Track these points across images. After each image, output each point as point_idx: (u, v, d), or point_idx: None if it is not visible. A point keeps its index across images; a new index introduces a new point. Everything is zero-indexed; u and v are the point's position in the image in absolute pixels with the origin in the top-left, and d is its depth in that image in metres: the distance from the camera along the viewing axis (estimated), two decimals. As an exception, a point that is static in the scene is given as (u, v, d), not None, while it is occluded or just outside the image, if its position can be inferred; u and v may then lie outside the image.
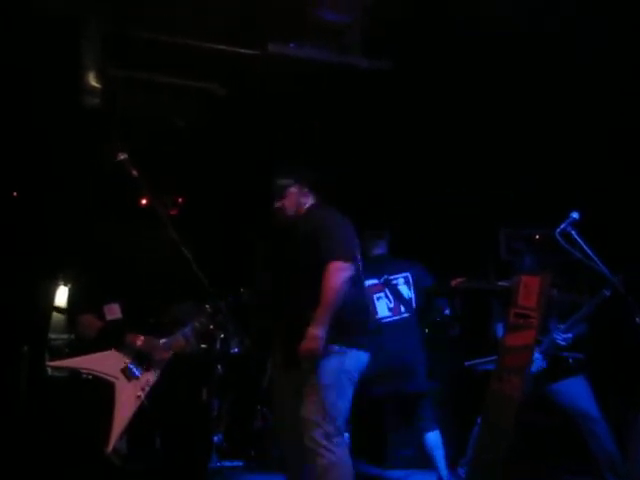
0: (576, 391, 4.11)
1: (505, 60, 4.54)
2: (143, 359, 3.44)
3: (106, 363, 3.39)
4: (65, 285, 6.03)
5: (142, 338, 3.45)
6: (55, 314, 5.65)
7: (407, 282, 4.49)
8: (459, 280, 3.68)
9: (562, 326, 4.10)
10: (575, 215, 3.85)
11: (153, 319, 3.56)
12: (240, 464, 4.90)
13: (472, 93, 4.88)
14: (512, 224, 5.00)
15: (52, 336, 5.63)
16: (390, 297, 4.48)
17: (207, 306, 3.44)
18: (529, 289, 2.69)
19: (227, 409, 5.15)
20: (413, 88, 4.83)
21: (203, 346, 4.87)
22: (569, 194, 4.73)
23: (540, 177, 5.10)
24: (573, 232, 3.81)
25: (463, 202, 5.33)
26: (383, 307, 4.49)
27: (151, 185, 3.01)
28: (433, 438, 4.35)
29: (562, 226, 3.82)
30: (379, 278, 4.49)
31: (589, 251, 3.74)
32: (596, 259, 3.73)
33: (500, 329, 3.97)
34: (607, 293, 3.94)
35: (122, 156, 2.96)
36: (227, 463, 4.83)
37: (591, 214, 3.90)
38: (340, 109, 4.75)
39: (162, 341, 3.50)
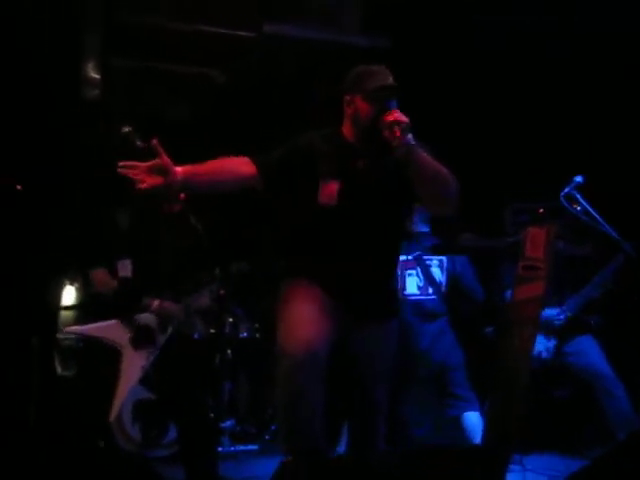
0: (589, 351, 4.11)
1: (504, 32, 4.57)
2: (143, 336, 3.50)
3: (114, 331, 3.47)
4: (71, 285, 6.04)
5: (157, 302, 3.51)
6: (63, 314, 5.67)
7: (441, 266, 4.43)
8: (466, 236, 3.66)
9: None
10: (579, 179, 3.89)
11: (164, 279, 3.62)
12: (255, 448, 4.90)
13: (471, 68, 4.89)
14: (517, 198, 4.99)
15: (60, 336, 5.63)
16: (420, 276, 4.43)
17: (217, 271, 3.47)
18: (536, 241, 2.70)
19: (239, 394, 5.16)
20: (412, 66, 4.83)
21: (212, 331, 4.89)
22: (574, 167, 4.73)
23: (545, 150, 5.10)
24: (578, 195, 3.85)
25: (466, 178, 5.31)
26: (413, 284, 4.43)
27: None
28: (472, 419, 4.16)
29: (566, 190, 3.87)
30: (413, 254, 4.40)
31: (594, 213, 3.78)
32: (602, 221, 3.76)
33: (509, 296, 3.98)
34: (621, 259, 3.96)
35: (126, 129, 2.99)
36: (241, 447, 4.83)
37: (596, 182, 3.94)
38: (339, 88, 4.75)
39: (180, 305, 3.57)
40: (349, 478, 2.15)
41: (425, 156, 2.63)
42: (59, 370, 5.44)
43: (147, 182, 2.48)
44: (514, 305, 2.77)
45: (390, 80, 2.80)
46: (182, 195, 5.74)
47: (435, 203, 2.79)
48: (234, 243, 4.62)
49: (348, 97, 2.83)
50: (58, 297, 5.66)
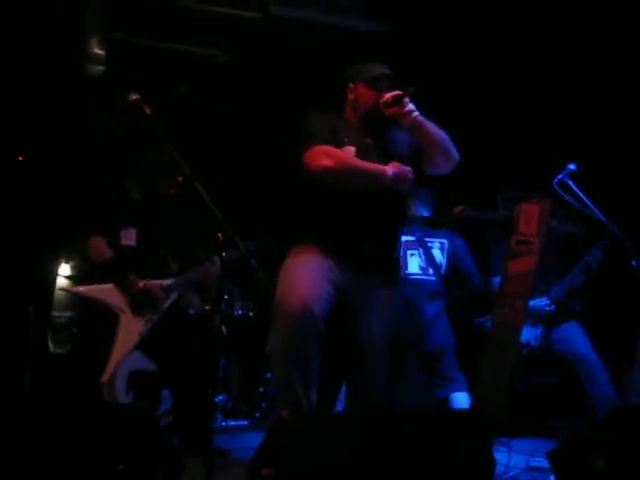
0: (574, 337, 4.22)
1: (503, 16, 4.63)
2: (142, 300, 3.55)
3: (114, 295, 3.52)
4: (67, 262, 6.06)
5: (143, 282, 3.56)
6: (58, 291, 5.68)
7: (442, 248, 4.56)
8: (461, 208, 3.73)
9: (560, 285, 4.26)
10: (572, 166, 3.97)
11: (163, 251, 3.67)
12: (245, 423, 4.98)
13: (470, 54, 4.96)
14: (510, 187, 5.06)
15: (55, 314, 5.65)
16: (422, 257, 4.54)
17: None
18: (529, 216, 2.79)
19: (232, 371, 5.22)
20: (413, 50, 4.90)
21: (207, 307, 4.94)
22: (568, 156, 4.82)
23: (540, 139, 5.17)
24: (570, 182, 3.94)
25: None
26: (414, 264, 4.55)
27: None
28: (460, 399, 4.26)
29: (559, 176, 3.95)
30: (413, 235, 4.54)
31: (586, 199, 3.86)
32: (593, 207, 3.85)
33: (497, 282, 4.06)
34: (605, 243, 4.08)
35: (134, 96, 3.03)
36: (232, 422, 4.91)
37: (589, 170, 4.02)
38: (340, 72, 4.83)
39: (166, 282, 3.62)
40: (342, 434, 2.22)
41: (428, 120, 3.01)
42: (52, 347, 5.47)
43: None
44: (507, 279, 2.85)
45: (388, 71, 3.18)
46: (180, 178, 5.80)
47: (441, 161, 3.07)
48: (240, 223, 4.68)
49: (352, 84, 3.21)
50: (54, 271, 5.68)
